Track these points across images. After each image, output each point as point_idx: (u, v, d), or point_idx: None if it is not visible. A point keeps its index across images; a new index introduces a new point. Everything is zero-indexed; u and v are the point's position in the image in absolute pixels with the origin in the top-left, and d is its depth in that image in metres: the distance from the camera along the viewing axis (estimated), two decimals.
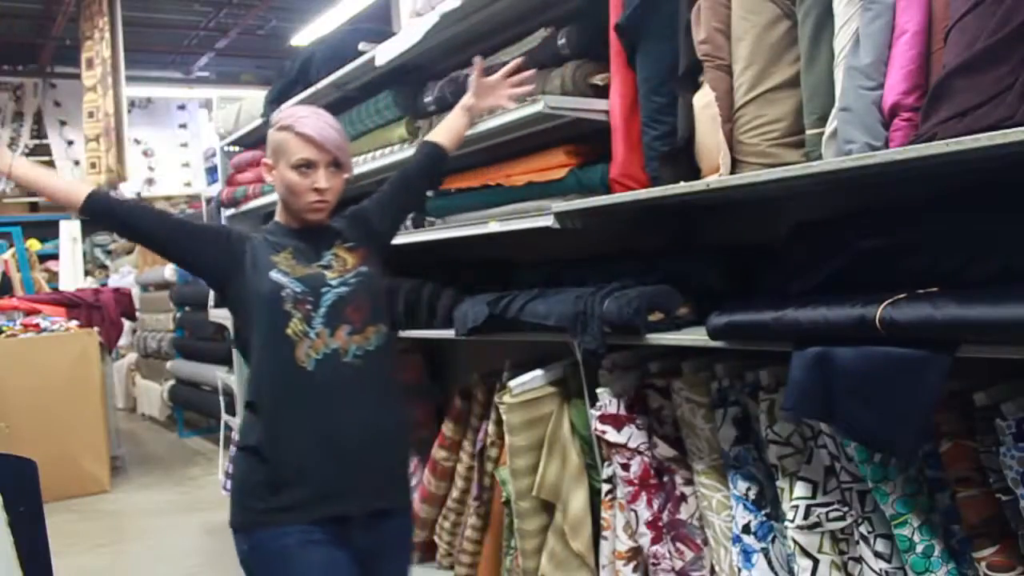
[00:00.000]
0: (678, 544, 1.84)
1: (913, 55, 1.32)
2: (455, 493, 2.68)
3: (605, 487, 1.98)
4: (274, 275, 1.62)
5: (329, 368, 1.59)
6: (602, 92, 1.98)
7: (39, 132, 9.70)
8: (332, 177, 1.67)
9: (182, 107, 10.59)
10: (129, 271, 8.15)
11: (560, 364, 2.17)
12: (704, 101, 1.66)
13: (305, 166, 1.64)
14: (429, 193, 2.59)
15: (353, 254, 1.73)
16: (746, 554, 1.68)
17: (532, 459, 2.08)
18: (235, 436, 4.08)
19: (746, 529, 1.68)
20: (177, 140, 10.47)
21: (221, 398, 4.41)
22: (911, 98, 1.32)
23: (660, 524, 1.86)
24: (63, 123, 9.70)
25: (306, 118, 1.65)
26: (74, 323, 5.32)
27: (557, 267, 2.27)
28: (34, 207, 9.93)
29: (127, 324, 7.12)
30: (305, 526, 1.57)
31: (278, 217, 1.77)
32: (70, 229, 9.20)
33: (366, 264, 1.72)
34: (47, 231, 9.27)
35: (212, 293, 4.40)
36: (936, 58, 1.31)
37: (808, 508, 1.54)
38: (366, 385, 1.63)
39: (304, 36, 8.22)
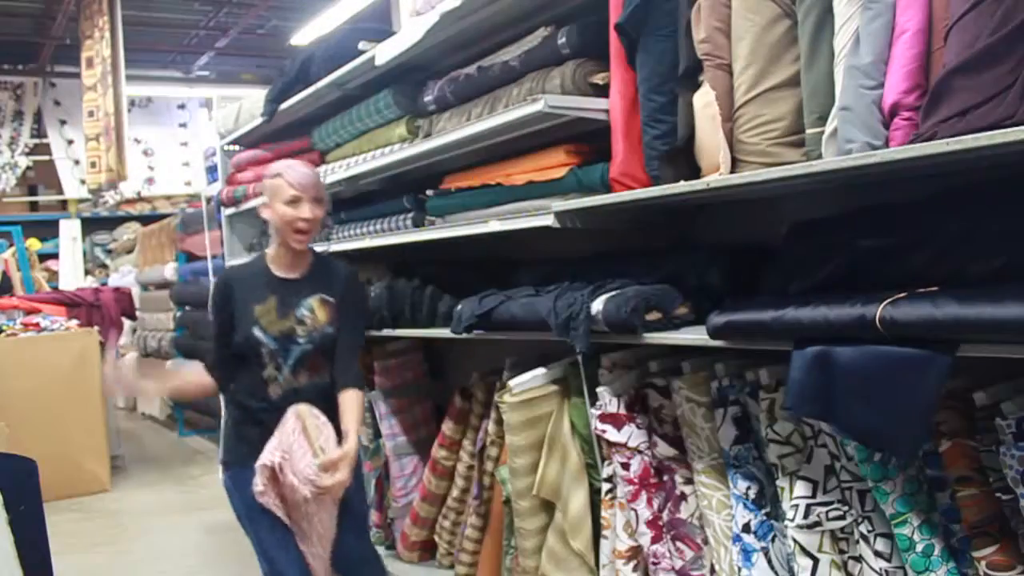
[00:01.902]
0: (678, 543, 1.84)
1: (913, 54, 1.32)
2: (455, 492, 2.68)
3: (605, 486, 1.98)
4: (255, 331, 2.15)
5: (289, 397, 2.18)
6: (602, 91, 1.98)
7: (39, 131, 9.69)
8: (315, 209, 2.16)
9: (182, 106, 10.57)
10: (129, 270, 8.15)
11: (560, 363, 2.17)
12: (704, 100, 1.66)
13: (295, 201, 2.13)
14: (429, 192, 2.60)
15: (326, 309, 2.21)
16: (746, 553, 1.68)
17: (532, 458, 2.08)
18: None
19: (746, 528, 1.68)
20: (177, 139, 10.45)
21: (221, 397, 4.40)
22: (911, 97, 1.32)
23: (660, 523, 1.86)
24: (63, 122, 9.69)
25: (292, 168, 2.18)
26: (74, 322, 5.32)
27: (557, 266, 2.27)
28: (34, 207, 9.93)
29: (127, 323, 7.11)
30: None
31: (269, 260, 2.24)
32: (70, 228, 9.20)
33: (332, 323, 2.20)
34: (47, 230, 9.26)
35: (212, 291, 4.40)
36: (936, 57, 1.31)
37: (808, 507, 1.54)
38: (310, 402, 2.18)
39: (304, 35, 8.21)
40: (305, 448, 2.06)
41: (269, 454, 2.07)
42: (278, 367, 2.17)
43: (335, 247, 3.01)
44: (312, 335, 2.17)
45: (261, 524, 2.14)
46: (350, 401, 2.16)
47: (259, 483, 2.07)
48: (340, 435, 2.12)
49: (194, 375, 2.35)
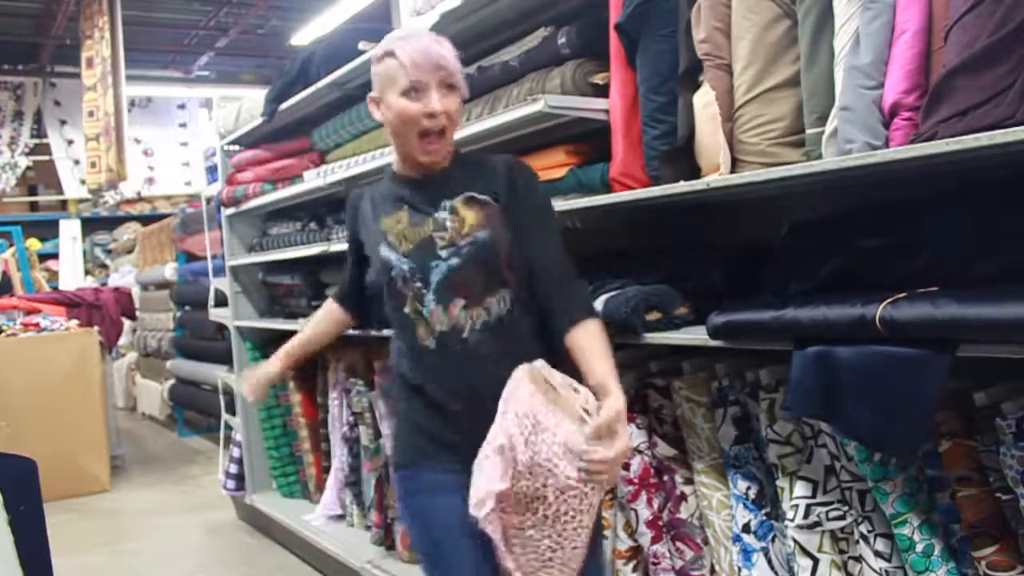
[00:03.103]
0: (678, 543, 1.84)
1: (913, 54, 1.32)
2: None
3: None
4: (383, 251, 1.59)
5: (450, 346, 1.53)
6: (602, 91, 1.98)
7: (39, 131, 9.70)
8: (446, 99, 1.50)
9: (182, 106, 10.59)
10: (129, 270, 8.15)
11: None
12: (704, 100, 1.66)
13: (414, 90, 1.49)
14: None
15: (474, 211, 1.55)
16: (746, 553, 1.68)
17: None
18: (235, 435, 4.09)
19: (746, 528, 1.68)
20: (177, 139, 10.47)
21: (221, 397, 4.41)
22: (911, 97, 1.32)
23: (660, 523, 1.86)
24: (63, 122, 9.70)
25: (409, 39, 1.51)
26: (74, 322, 5.32)
27: None
28: (34, 207, 9.94)
29: (127, 323, 7.12)
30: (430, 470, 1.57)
31: (394, 166, 1.66)
32: (70, 228, 9.21)
33: (486, 226, 1.53)
34: (47, 230, 9.27)
35: (212, 291, 4.40)
36: (936, 57, 1.31)
37: (808, 507, 1.54)
38: (488, 360, 1.52)
39: (304, 35, 8.22)
40: (559, 416, 1.38)
41: (503, 430, 1.38)
42: (419, 296, 1.53)
43: (335, 248, 3.01)
44: (458, 244, 1.52)
45: (459, 560, 1.48)
46: (587, 338, 1.47)
47: (495, 479, 1.35)
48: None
49: (315, 321, 1.93)
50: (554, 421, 1.36)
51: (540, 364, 1.47)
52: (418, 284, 1.54)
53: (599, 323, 1.51)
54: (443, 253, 1.53)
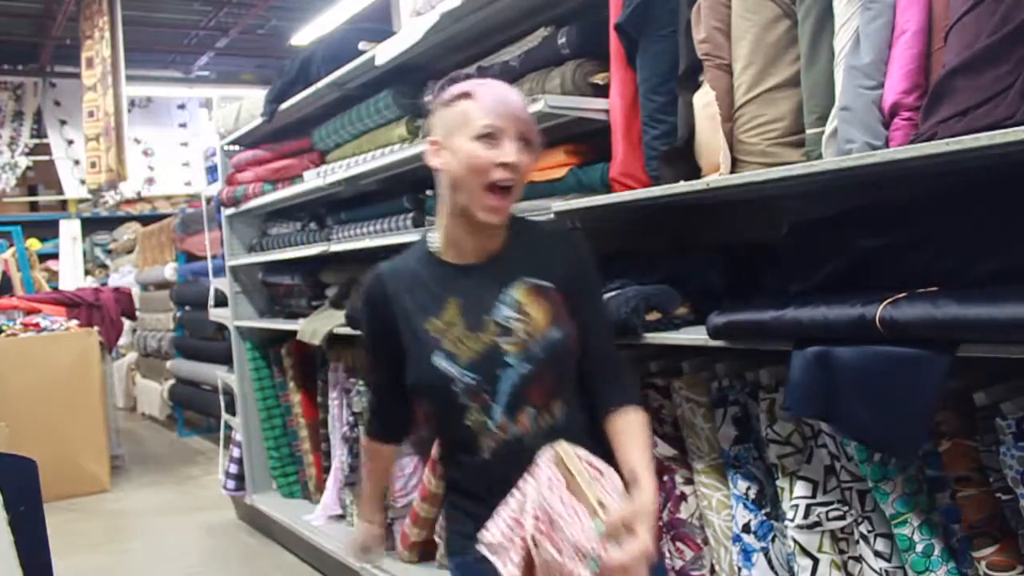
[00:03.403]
0: (678, 543, 1.84)
1: (913, 54, 1.32)
2: None
3: None
4: (439, 362, 1.38)
5: (509, 453, 1.39)
6: (602, 91, 1.98)
7: (39, 132, 9.69)
8: (522, 153, 1.37)
9: (182, 106, 10.58)
10: (129, 270, 8.15)
11: None
12: (704, 100, 1.66)
13: (490, 136, 1.35)
14: (429, 192, 2.59)
15: (540, 304, 1.40)
16: (746, 553, 1.68)
17: None
18: (235, 435, 4.09)
19: (746, 528, 1.68)
20: (177, 139, 10.46)
21: (221, 397, 4.41)
22: (911, 97, 1.32)
23: (660, 523, 1.86)
24: (63, 122, 9.70)
25: (488, 84, 1.40)
26: (74, 323, 5.32)
27: None
28: (34, 207, 9.94)
29: (127, 323, 7.12)
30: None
31: (437, 241, 1.46)
32: (70, 228, 9.21)
33: (557, 323, 1.40)
34: (47, 231, 9.27)
35: (212, 291, 4.40)
36: (936, 57, 1.31)
37: (808, 507, 1.54)
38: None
39: (304, 35, 8.23)
40: (575, 508, 1.25)
41: (506, 523, 1.30)
42: (485, 409, 1.38)
43: (335, 247, 3.01)
44: (529, 348, 1.38)
45: None
46: (628, 426, 1.39)
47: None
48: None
49: (370, 475, 1.79)
50: (568, 516, 1.24)
51: (568, 447, 1.33)
52: (485, 396, 1.38)
53: (642, 414, 1.42)
54: (512, 359, 1.38)
